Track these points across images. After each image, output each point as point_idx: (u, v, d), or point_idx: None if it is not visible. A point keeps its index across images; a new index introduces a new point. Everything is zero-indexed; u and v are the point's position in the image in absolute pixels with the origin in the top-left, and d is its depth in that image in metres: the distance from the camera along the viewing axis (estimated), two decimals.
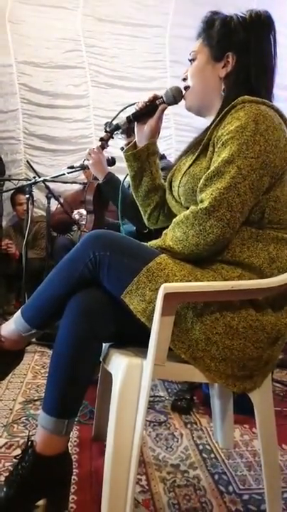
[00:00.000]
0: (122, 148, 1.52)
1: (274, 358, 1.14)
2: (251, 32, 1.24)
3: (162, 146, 3.72)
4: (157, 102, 1.40)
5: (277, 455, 1.20)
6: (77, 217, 2.98)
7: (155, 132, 1.45)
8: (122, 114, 1.49)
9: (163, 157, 2.54)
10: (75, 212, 3.02)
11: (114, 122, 1.48)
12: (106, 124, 1.61)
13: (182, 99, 1.38)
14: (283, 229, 1.17)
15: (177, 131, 4.63)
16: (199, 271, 1.11)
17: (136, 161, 1.45)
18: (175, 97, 1.37)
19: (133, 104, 1.45)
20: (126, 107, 1.52)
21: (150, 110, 1.42)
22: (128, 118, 1.42)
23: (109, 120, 1.60)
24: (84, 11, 4.57)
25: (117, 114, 1.52)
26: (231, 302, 1.08)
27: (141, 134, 1.45)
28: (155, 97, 1.41)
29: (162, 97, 1.39)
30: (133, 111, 1.43)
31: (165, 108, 1.42)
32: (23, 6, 4.43)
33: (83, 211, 2.89)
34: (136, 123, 1.45)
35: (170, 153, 3.36)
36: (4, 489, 1.12)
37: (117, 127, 1.46)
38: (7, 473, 1.21)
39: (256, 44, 1.23)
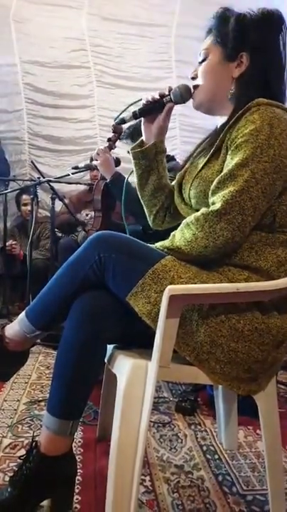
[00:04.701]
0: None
1: (279, 360, 1.14)
2: (265, 32, 1.21)
3: (167, 146, 3.73)
4: (164, 100, 1.37)
5: (281, 456, 1.20)
6: (85, 217, 2.98)
7: (162, 130, 1.42)
8: (130, 109, 1.47)
9: (172, 158, 2.54)
10: (83, 212, 3.02)
11: (121, 116, 1.47)
12: (115, 119, 1.59)
13: (191, 99, 1.33)
14: None
15: (182, 132, 4.63)
16: (205, 273, 1.10)
17: (144, 159, 1.43)
18: (183, 95, 1.32)
19: (141, 100, 1.42)
20: (135, 102, 1.49)
21: (157, 107, 1.38)
22: (134, 113, 1.39)
23: (117, 116, 1.57)
24: (90, 10, 4.57)
25: (126, 108, 1.50)
26: (237, 305, 1.08)
27: (148, 132, 1.43)
28: (163, 95, 1.36)
29: (169, 95, 1.35)
30: (140, 107, 1.40)
31: (172, 107, 1.38)
32: (28, 4, 4.43)
33: (91, 212, 2.91)
34: (142, 119, 1.42)
35: (175, 154, 3.36)
36: (9, 489, 1.13)
37: (123, 121, 1.45)
38: (11, 474, 1.21)
39: (270, 44, 1.21)
